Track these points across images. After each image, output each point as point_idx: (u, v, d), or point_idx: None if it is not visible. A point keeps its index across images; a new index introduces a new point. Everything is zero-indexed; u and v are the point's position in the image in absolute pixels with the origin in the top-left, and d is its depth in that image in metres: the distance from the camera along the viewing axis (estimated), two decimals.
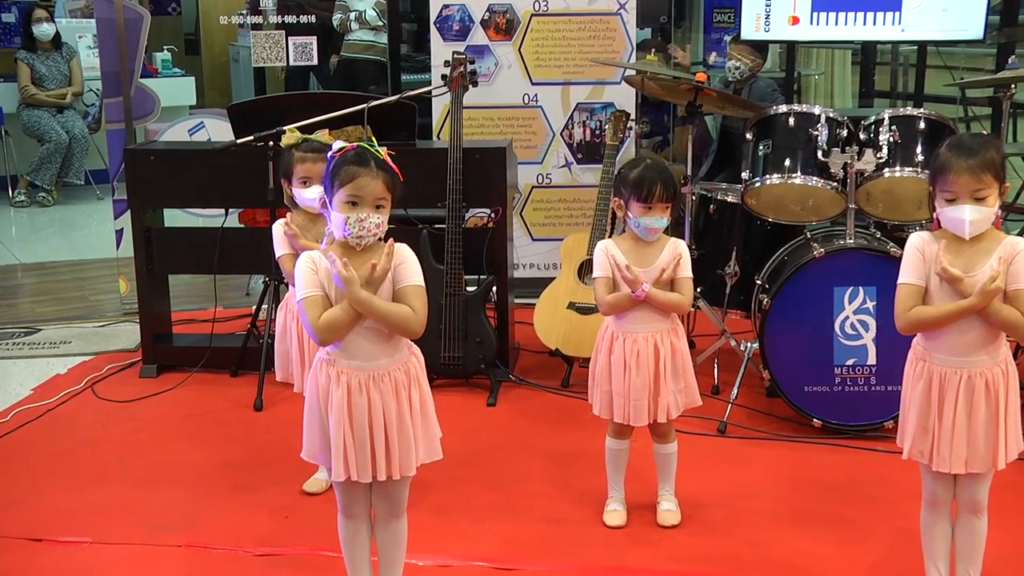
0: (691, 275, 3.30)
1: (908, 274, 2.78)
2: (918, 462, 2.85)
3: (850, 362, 4.09)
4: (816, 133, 4.21)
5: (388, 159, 2.69)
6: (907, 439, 2.83)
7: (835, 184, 4.18)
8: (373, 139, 2.73)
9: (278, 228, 3.52)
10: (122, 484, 3.86)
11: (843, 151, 4.11)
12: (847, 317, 4.07)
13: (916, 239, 2.79)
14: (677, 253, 3.28)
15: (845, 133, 4.25)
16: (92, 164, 8.78)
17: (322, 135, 3.66)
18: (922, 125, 4.15)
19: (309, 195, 3.47)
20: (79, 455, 4.10)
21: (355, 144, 2.68)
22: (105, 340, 5.37)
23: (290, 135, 3.61)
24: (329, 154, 2.70)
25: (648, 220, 3.22)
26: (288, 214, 3.60)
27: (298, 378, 3.57)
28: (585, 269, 4.74)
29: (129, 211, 4.89)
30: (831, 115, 4.28)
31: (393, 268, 2.67)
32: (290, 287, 3.63)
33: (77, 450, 4.14)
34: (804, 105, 4.36)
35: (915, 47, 6.78)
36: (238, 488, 3.80)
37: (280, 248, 3.51)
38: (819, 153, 4.19)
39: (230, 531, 3.50)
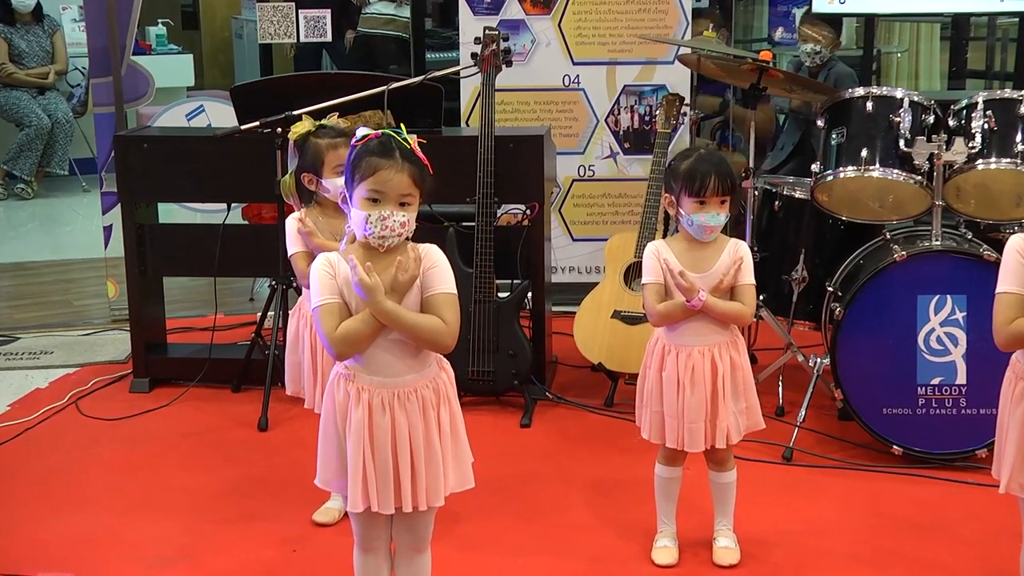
0: (753, 281, 3.30)
1: (1009, 282, 2.75)
2: (1017, 497, 2.83)
3: (936, 381, 4.07)
4: (898, 119, 4.19)
5: (417, 148, 2.69)
6: (1005, 470, 2.81)
7: (919, 178, 4.16)
8: (402, 126, 2.72)
9: (291, 223, 3.54)
10: (110, 512, 3.89)
11: (929, 140, 4.09)
12: (932, 330, 4.05)
13: (1019, 241, 2.77)
14: (738, 256, 3.28)
15: (932, 119, 4.23)
16: (77, 152, 8.85)
17: (333, 120, 3.67)
18: (1023, 110, 4.13)
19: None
20: (62, 479, 4.13)
21: (380, 132, 2.70)
22: (91, 350, 5.42)
23: (303, 123, 3.62)
24: (352, 142, 2.71)
25: (702, 217, 3.23)
26: (302, 208, 3.62)
27: (310, 393, 3.60)
28: (632, 273, 4.74)
29: (119, 205, 4.93)
30: (915, 99, 4.26)
31: (422, 273, 2.68)
32: (303, 290, 3.66)
33: (59, 474, 4.18)
34: (884, 87, 4.34)
35: (1016, 19, 6.72)
36: (241, 517, 3.83)
37: (293, 245, 3.53)
38: (901, 142, 4.17)
39: (232, 565, 3.53)
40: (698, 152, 3.30)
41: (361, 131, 2.72)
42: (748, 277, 3.28)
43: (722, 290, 3.25)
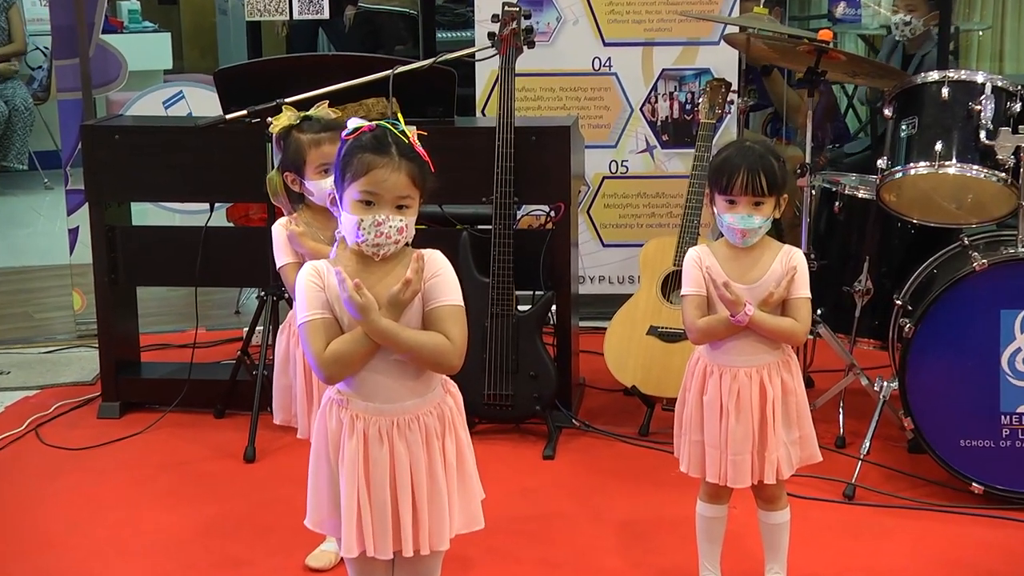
0: (809, 294, 3.30)
1: None
2: None
3: (1022, 409, 4.06)
4: (978, 108, 4.19)
5: (416, 143, 2.70)
6: None
7: (1003, 175, 4.15)
8: (399, 116, 2.74)
9: (279, 230, 3.56)
10: (75, 554, 3.90)
11: (1015, 131, 4.09)
12: (1019, 349, 4.05)
13: None
14: (791, 266, 3.28)
15: (1018, 107, 4.23)
16: (38, 144, 8.90)
17: (322, 110, 3.68)
18: None
19: (331, 187, 3.52)
20: (19, 518, 4.15)
21: (373, 124, 2.71)
22: (54, 370, 5.45)
23: (285, 115, 3.62)
24: (343, 136, 2.72)
25: (731, 218, 3.24)
26: (293, 211, 3.64)
27: (303, 421, 3.61)
28: (671, 284, 4.74)
29: (86, 205, 4.96)
30: (999, 84, 4.25)
31: (423, 283, 2.68)
32: (294, 304, 3.67)
33: (16, 511, 4.20)
34: (963, 71, 4.34)
35: None
36: (225, 562, 3.84)
37: (282, 256, 3.55)
38: (982, 134, 4.17)
39: None
40: (738, 143, 3.31)
41: (352, 123, 2.72)
42: (803, 289, 3.29)
43: (772, 304, 3.26)
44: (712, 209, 3.30)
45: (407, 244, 2.72)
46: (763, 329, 3.25)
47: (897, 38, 6.17)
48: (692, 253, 3.34)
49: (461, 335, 2.69)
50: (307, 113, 3.64)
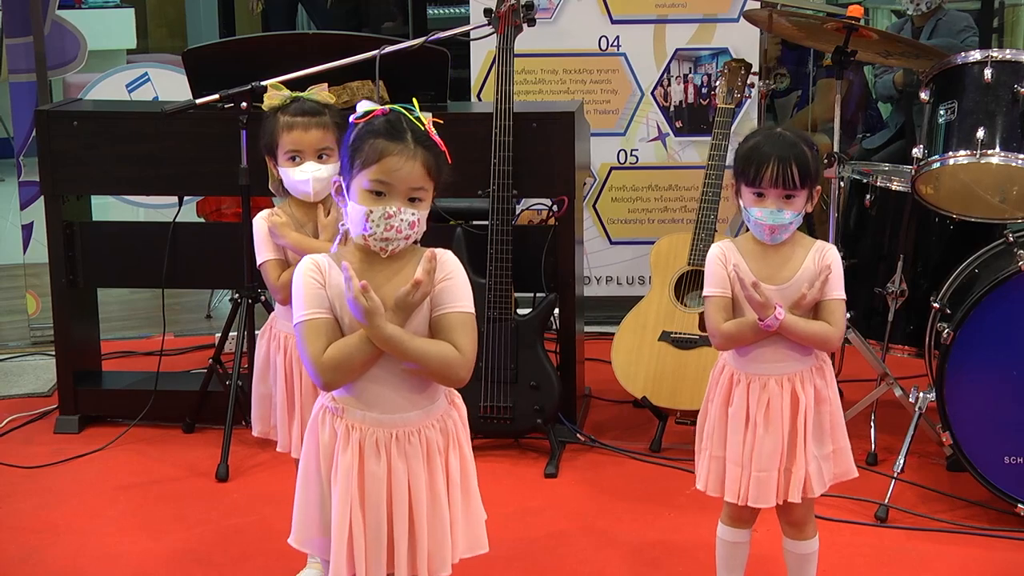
0: (844, 295, 3.30)
1: None
2: None
3: None
4: None
5: (432, 131, 2.70)
6: None
7: None
8: (414, 101, 2.72)
9: (260, 224, 3.56)
10: None
11: None
12: None
13: None
14: (825, 264, 3.27)
15: None
16: None
17: (319, 92, 3.69)
18: None
19: (299, 176, 3.53)
20: None
21: (387, 108, 2.71)
22: (6, 380, 5.44)
23: (273, 93, 3.65)
24: (352, 119, 2.72)
25: (759, 212, 3.23)
26: (274, 207, 3.64)
27: (283, 433, 3.60)
28: (685, 285, 4.75)
29: (42, 199, 4.96)
30: None
31: (433, 286, 2.68)
32: (274, 306, 3.67)
33: None
34: (1008, 50, 4.34)
35: None
36: None
37: (263, 251, 3.56)
38: None
39: None
40: (768, 131, 3.30)
41: (363, 105, 2.72)
42: (837, 290, 3.28)
43: (805, 306, 3.25)
44: (738, 202, 3.29)
45: (416, 241, 2.72)
46: (794, 334, 3.24)
47: (910, 12, 6.19)
48: (716, 249, 3.33)
49: (471, 346, 2.70)
50: (296, 94, 3.65)
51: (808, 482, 3.29)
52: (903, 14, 6.33)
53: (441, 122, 2.73)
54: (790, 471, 3.28)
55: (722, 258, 3.29)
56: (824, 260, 3.28)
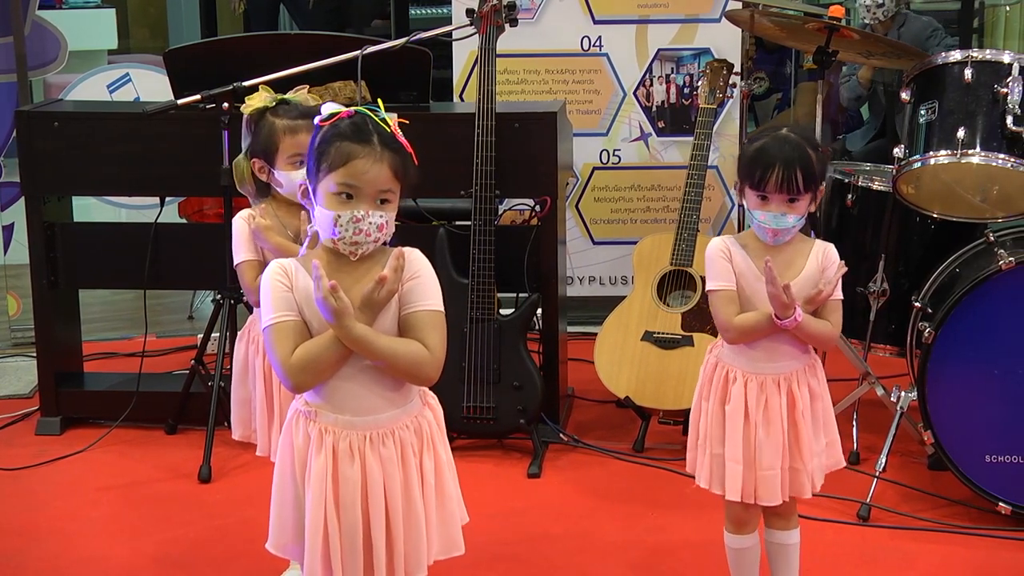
0: (842, 295, 3.30)
1: None
2: None
3: None
4: (1005, 91, 4.20)
5: (398, 132, 2.71)
6: None
7: None
8: (380, 103, 2.74)
9: (240, 224, 3.56)
10: None
11: None
12: None
13: None
14: (831, 261, 3.28)
15: None
16: None
17: (301, 95, 3.69)
18: None
19: (303, 179, 3.52)
20: None
21: (352, 110, 2.71)
22: None
23: (260, 95, 3.64)
24: (317, 121, 2.72)
25: (762, 215, 3.24)
26: (258, 202, 3.64)
27: (263, 436, 3.61)
28: (668, 284, 4.75)
29: (23, 199, 4.95)
30: None
31: (401, 284, 2.69)
32: (254, 308, 3.67)
33: None
34: (988, 50, 4.35)
35: None
36: None
37: (241, 251, 3.56)
38: (1009, 120, 4.18)
39: None
40: (775, 132, 3.30)
41: (328, 108, 2.72)
42: (837, 290, 3.30)
43: (820, 302, 3.25)
44: (741, 201, 3.30)
45: (386, 243, 2.72)
46: (805, 333, 3.25)
47: (867, 21, 6.17)
48: (718, 243, 3.33)
49: (440, 344, 2.70)
50: (284, 96, 3.64)
51: (813, 477, 3.32)
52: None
53: (407, 122, 2.73)
54: (795, 469, 3.29)
55: (724, 253, 3.30)
56: (827, 259, 3.30)
